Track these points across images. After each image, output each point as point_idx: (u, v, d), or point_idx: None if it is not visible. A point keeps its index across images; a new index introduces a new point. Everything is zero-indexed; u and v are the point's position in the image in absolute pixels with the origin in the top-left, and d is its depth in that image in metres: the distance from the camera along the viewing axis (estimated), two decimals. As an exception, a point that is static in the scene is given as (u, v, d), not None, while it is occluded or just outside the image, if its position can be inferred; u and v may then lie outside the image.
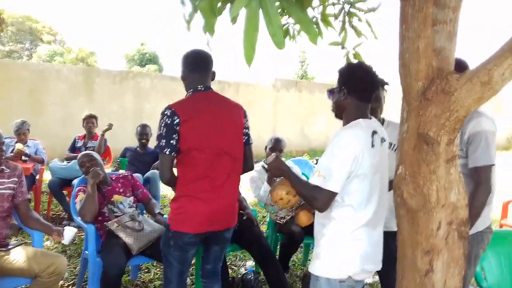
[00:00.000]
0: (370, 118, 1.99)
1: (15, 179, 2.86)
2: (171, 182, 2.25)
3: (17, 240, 2.94)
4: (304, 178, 4.21)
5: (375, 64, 2.07)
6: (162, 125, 2.17)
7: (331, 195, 1.80)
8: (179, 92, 10.00)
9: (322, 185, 1.79)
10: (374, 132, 1.91)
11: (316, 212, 1.97)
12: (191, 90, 2.31)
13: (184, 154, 2.20)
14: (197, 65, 2.30)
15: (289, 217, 2.20)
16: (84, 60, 30.94)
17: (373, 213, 1.89)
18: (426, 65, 1.60)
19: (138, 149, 5.47)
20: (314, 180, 1.82)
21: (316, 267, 1.91)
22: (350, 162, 1.80)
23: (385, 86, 2.47)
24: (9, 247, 2.72)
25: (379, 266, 1.98)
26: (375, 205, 1.90)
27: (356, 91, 1.93)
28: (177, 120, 2.15)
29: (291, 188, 2.01)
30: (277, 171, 2.04)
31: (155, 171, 5.10)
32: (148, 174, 4.99)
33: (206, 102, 2.28)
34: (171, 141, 2.15)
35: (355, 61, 2.83)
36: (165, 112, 2.18)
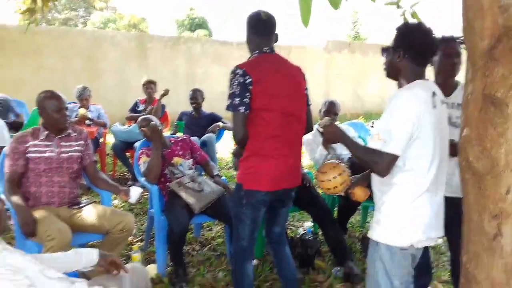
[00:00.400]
0: (427, 80, 1.89)
1: (82, 142, 3.00)
2: (244, 140, 2.24)
3: (87, 199, 3.11)
4: (361, 142, 4.16)
5: (435, 23, 1.94)
6: (235, 84, 2.18)
7: (392, 159, 1.73)
8: (230, 57, 10.13)
9: (382, 149, 1.72)
10: (434, 93, 1.83)
11: (375, 179, 1.90)
12: (257, 52, 2.31)
13: (255, 113, 2.21)
14: (263, 27, 2.30)
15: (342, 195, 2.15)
16: (135, 26, 31.49)
17: (435, 178, 1.81)
18: (492, 22, 1.50)
19: (193, 113, 5.58)
20: (373, 144, 1.76)
21: (377, 233, 1.87)
22: (410, 124, 1.72)
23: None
24: (81, 205, 2.89)
25: (441, 233, 1.92)
26: (436, 170, 1.82)
27: (413, 54, 1.83)
28: (249, 80, 2.17)
29: (339, 174, 1.99)
30: (332, 136, 1.97)
31: (211, 134, 5.21)
32: (204, 137, 5.11)
33: (273, 64, 2.30)
34: (245, 100, 2.16)
35: (412, 21, 2.68)
36: (237, 72, 2.19)
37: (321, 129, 1.98)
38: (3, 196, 2.66)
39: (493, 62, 1.51)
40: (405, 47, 1.83)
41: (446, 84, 2.42)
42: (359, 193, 2.12)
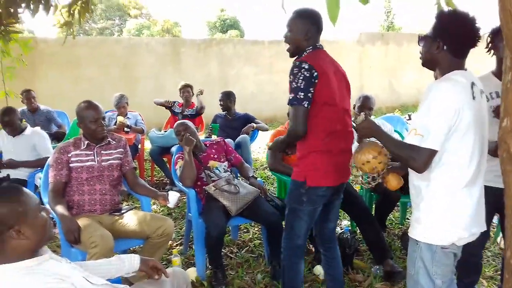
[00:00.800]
0: (466, 70, 1.82)
1: (121, 149, 3.10)
2: (304, 135, 2.24)
3: (127, 205, 3.20)
4: (397, 136, 4.07)
5: (470, 10, 1.85)
6: (300, 78, 2.17)
7: (431, 154, 1.67)
8: (262, 56, 10.10)
9: (420, 144, 1.66)
10: (473, 84, 1.76)
11: (412, 174, 1.86)
12: (311, 47, 2.32)
13: (318, 108, 2.21)
14: (321, 23, 2.33)
15: (374, 182, 2.04)
16: (169, 31, 32.08)
17: (475, 173, 1.76)
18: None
19: (227, 115, 5.64)
20: (410, 139, 1.70)
21: (417, 232, 1.83)
22: (449, 116, 1.66)
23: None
24: (122, 211, 2.97)
25: (483, 227, 1.85)
26: (476, 164, 1.76)
27: (453, 45, 1.76)
28: (315, 74, 2.17)
29: (378, 153, 1.92)
30: (366, 131, 1.93)
31: (245, 135, 5.24)
32: (239, 139, 5.16)
33: (329, 59, 2.34)
34: (309, 94, 2.16)
35: (447, 9, 2.59)
36: (302, 66, 2.18)
37: (354, 125, 1.96)
38: (47, 206, 2.78)
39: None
40: (445, 38, 1.76)
41: None
42: (392, 180, 2.03)
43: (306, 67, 2.16)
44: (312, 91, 2.16)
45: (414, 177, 1.85)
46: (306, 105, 2.15)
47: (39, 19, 13.85)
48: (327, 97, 2.21)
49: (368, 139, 2.01)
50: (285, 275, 2.51)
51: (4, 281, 1.40)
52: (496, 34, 2.27)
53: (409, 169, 1.87)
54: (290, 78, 2.20)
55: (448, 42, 1.76)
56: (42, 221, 1.57)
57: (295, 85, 2.17)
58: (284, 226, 2.47)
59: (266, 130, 5.62)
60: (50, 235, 1.64)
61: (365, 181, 2.07)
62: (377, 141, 1.97)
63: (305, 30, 2.29)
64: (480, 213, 1.84)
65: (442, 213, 1.76)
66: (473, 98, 1.73)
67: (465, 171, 1.74)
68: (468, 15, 1.76)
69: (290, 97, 2.19)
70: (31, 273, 1.43)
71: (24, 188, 1.60)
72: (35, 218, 1.54)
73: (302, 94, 2.15)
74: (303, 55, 2.31)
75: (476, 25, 1.75)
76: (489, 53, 2.35)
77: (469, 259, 1.92)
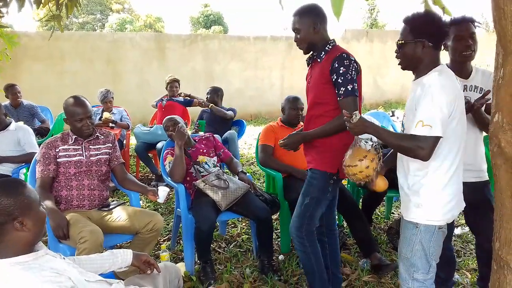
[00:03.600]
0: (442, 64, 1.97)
1: (110, 144, 3.07)
2: None
3: (115, 200, 3.18)
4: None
5: (456, 9, 1.98)
6: (352, 69, 2.24)
7: (436, 141, 1.79)
8: (247, 52, 10.13)
9: (429, 134, 1.76)
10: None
11: (409, 165, 1.94)
12: (331, 42, 2.39)
13: None
14: (320, 14, 2.37)
15: (363, 182, 2.09)
16: (151, 26, 31.78)
17: (461, 156, 1.92)
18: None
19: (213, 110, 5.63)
20: (419, 131, 1.78)
21: (417, 216, 1.93)
22: (450, 104, 1.79)
23: (476, 24, 2.37)
24: (111, 207, 2.95)
25: (462, 207, 2.02)
26: (463, 150, 1.93)
27: (435, 40, 1.89)
28: (358, 68, 2.28)
29: (371, 160, 1.99)
30: (360, 128, 1.93)
31: (233, 131, 5.25)
32: (226, 134, 5.16)
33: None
34: (356, 85, 2.24)
35: (434, 7, 2.64)
36: (351, 58, 2.27)
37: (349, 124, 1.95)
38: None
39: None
40: (428, 36, 1.88)
41: (463, 68, 2.42)
42: (380, 184, 2.13)
43: (353, 59, 2.26)
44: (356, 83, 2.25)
45: (411, 167, 1.94)
46: (356, 94, 2.24)
47: (17, 13, 13.57)
48: (359, 91, 2.31)
49: (360, 136, 2.05)
50: (308, 258, 2.49)
51: (1, 276, 1.39)
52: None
53: (403, 165, 1.99)
54: (341, 69, 2.23)
55: (431, 38, 1.88)
56: (43, 215, 1.62)
57: (349, 77, 2.23)
58: (298, 216, 2.46)
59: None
60: (44, 230, 1.66)
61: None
62: (364, 144, 2.05)
63: (311, 24, 2.34)
64: (461, 193, 2.00)
65: (441, 196, 1.90)
66: (463, 89, 1.89)
67: (457, 155, 1.90)
68: (436, 13, 1.94)
69: (348, 88, 2.22)
70: (27, 268, 1.42)
71: (27, 182, 1.62)
72: (37, 212, 1.57)
73: (356, 85, 2.23)
74: (327, 48, 2.36)
75: (444, 20, 1.93)
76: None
77: (442, 254, 2.03)
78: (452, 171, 1.89)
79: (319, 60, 2.37)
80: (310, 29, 2.35)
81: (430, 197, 1.91)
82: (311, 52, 2.45)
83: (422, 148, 1.77)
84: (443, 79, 1.84)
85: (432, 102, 1.78)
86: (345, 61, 2.24)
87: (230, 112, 5.54)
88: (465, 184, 2.01)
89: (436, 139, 1.78)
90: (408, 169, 1.96)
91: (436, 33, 1.89)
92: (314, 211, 2.43)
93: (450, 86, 1.83)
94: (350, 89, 2.22)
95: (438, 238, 1.95)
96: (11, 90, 5.48)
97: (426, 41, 1.88)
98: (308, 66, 2.51)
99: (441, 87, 1.80)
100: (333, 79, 2.25)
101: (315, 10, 2.36)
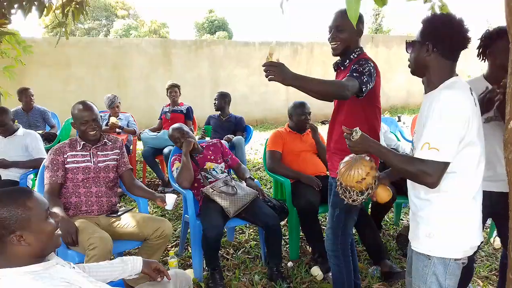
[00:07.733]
0: (457, 75, 1.78)
1: (117, 150, 3.06)
2: (345, 100, 2.24)
3: (123, 206, 3.16)
4: (393, 137, 4.09)
5: (468, 16, 1.83)
6: (370, 67, 2.19)
7: (445, 167, 1.58)
8: (253, 58, 10.12)
9: (435, 158, 1.56)
10: (470, 90, 1.72)
11: (419, 188, 1.74)
12: (359, 49, 2.35)
13: (371, 109, 2.33)
14: (363, 22, 2.36)
15: (362, 199, 1.88)
16: (156, 32, 31.91)
17: (480, 180, 1.70)
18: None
19: (220, 116, 5.63)
20: (425, 155, 1.58)
21: (429, 247, 1.72)
22: (462, 127, 1.59)
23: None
24: (119, 213, 2.94)
25: (482, 237, 1.81)
26: (481, 171, 1.71)
27: (443, 47, 1.69)
28: (374, 69, 2.23)
29: (370, 168, 1.80)
30: (361, 147, 1.77)
31: (240, 137, 5.24)
32: (233, 140, 5.15)
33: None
34: (369, 85, 2.16)
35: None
36: (369, 62, 2.21)
37: (349, 142, 1.79)
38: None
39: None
40: (434, 40, 1.70)
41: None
42: (382, 195, 1.91)
43: (372, 64, 2.21)
44: (371, 85, 2.19)
45: (421, 191, 1.75)
46: (364, 90, 2.11)
47: (25, 20, 13.67)
48: (376, 97, 2.31)
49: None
50: (340, 272, 2.45)
51: (11, 285, 1.37)
52: (489, 39, 2.23)
53: (410, 182, 1.81)
54: (354, 66, 2.18)
55: (438, 43, 1.70)
56: (48, 228, 1.51)
57: (361, 69, 2.15)
58: (332, 228, 2.42)
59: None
60: (56, 243, 1.57)
61: (352, 199, 1.89)
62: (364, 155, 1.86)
63: (358, 28, 2.29)
64: (481, 218, 1.80)
65: (456, 225, 1.70)
66: (475, 104, 1.70)
67: (473, 180, 1.69)
68: (455, 17, 1.72)
69: (357, 75, 2.12)
70: (38, 278, 1.39)
71: (36, 193, 1.53)
72: (40, 225, 1.48)
73: (368, 79, 2.14)
74: (353, 54, 2.32)
75: (465, 26, 1.70)
76: (480, 58, 2.30)
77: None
78: (471, 195, 1.68)
79: (342, 68, 2.36)
80: (355, 33, 2.30)
81: (443, 225, 1.70)
82: (338, 58, 2.40)
83: (429, 174, 1.57)
84: (456, 96, 1.62)
85: (440, 122, 1.58)
86: (361, 61, 2.20)
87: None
88: (490, 194, 1.91)
89: (445, 165, 1.57)
90: (417, 191, 1.78)
91: (447, 40, 1.69)
92: (347, 221, 2.41)
93: (464, 105, 1.61)
94: (357, 75, 2.12)
95: (454, 270, 1.72)
96: (25, 93, 5.61)
97: (430, 45, 1.70)
98: (335, 72, 2.49)
99: (454, 104, 1.60)
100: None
101: (361, 17, 2.31)
